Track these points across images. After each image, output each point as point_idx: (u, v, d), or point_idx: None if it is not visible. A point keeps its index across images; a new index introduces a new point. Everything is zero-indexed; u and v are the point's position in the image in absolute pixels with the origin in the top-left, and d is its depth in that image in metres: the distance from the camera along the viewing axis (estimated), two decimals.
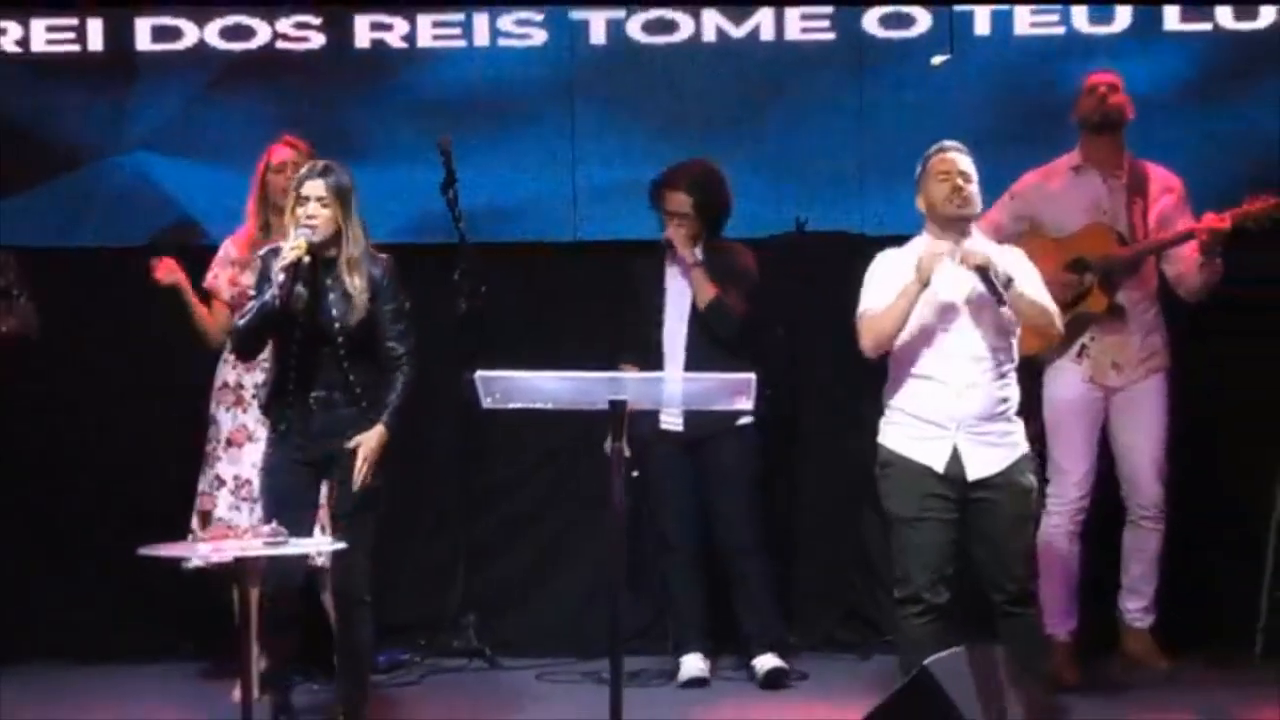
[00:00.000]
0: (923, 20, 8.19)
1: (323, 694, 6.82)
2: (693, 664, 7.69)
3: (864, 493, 8.07)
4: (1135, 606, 7.60)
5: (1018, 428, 6.36)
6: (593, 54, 8.28)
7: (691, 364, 7.48)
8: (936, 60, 8.16)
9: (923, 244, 6.33)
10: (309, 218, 6.41)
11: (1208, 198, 7.47)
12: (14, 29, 8.28)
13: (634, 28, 8.27)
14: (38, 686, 7.74)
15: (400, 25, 8.29)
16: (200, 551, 6.52)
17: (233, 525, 7.30)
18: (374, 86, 8.30)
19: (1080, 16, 8.14)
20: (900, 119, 8.12)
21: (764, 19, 8.23)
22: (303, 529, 6.30)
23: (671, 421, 7.63)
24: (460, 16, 8.28)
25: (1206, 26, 8.13)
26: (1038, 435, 7.04)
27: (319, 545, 6.42)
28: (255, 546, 5.99)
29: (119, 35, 8.28)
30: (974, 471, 6.25)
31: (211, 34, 8.29)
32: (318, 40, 8.31)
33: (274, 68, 8.29)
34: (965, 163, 6.34)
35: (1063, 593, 7.34)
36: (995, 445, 6.28)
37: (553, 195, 8.28)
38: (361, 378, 6.47)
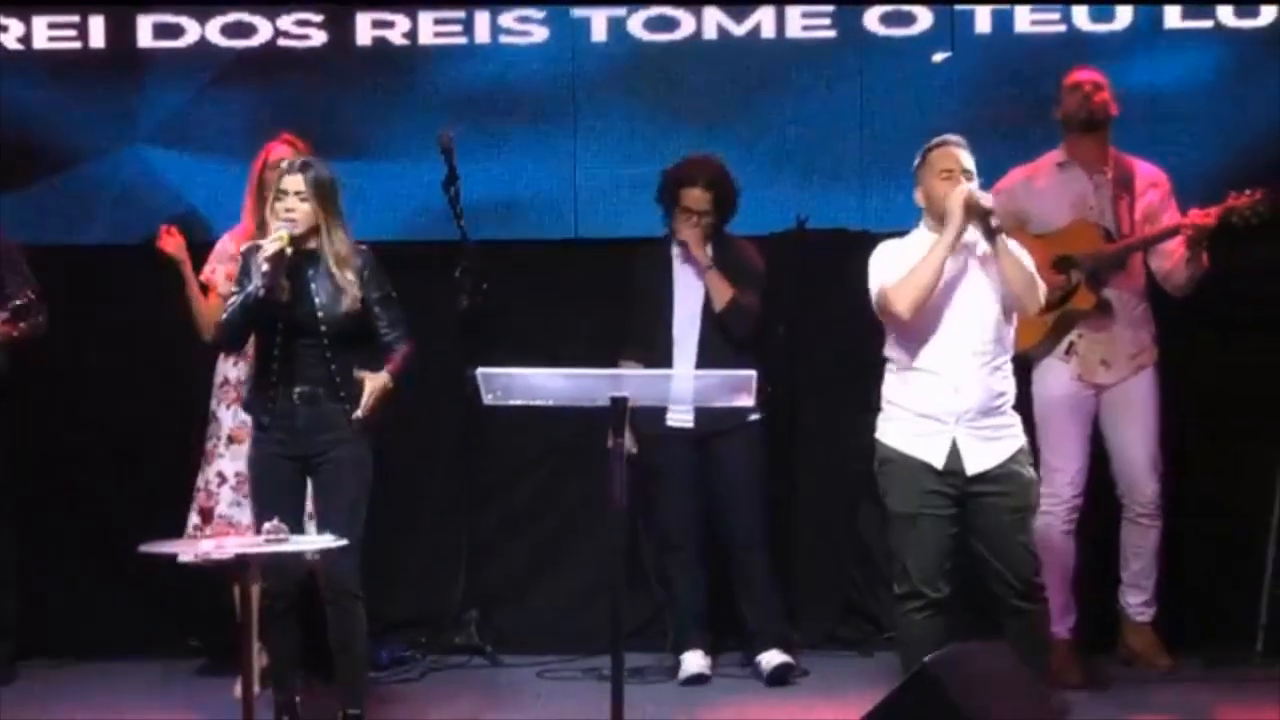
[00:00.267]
0: (924, 18, 8.19)
1: (324, 695, 6.82)
2: (694, 661, 7.70)
3: (864, 489, 8.08)
4: (1136, 601, 7.62)
5: (1015, 421, 6.36)
6: (594, 51, 8.28)
7: (703, 362, 7.46)
8: (937, 58, 8.17)
9: (922, 237, 6.33)
10: (288, 211, 6.47)
11: (1195, 193, 7.47)
12: (16, 26, 8.29)
13: (635, 25, 8.27)
14: (39, 683, 7.75)
15: (402, 22, 8.30)
16: (202, 549, 6.52)
17: (235, 522, 7.31)
18: (376, 84, 8.30)
19: (1081, 14, 8.15)
20: (901, 117, 8.13)
21: (765, 16, 8.23)
22: (292, 523, 6.31)
23: (681, 418, 7.62)
24: (462, 14, 8.29)
25: (1207, 24, 8.14)
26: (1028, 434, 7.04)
27: (320, 543, 6.42)
28: (256, 544, 5.99)
29: (120, 32, 8.28)
30: (973, 466, 6.25)
31: (213, 31, 8.30)
32: (319, 37, 8.31)
33: (275, 65, 8.29)
34: (967, 158, 6.32)
35: (1060, 590, 7.34)
36: (993, 439, 6.28)
37: (554, 193, 8.29)
38: (345, 372, 6.50)
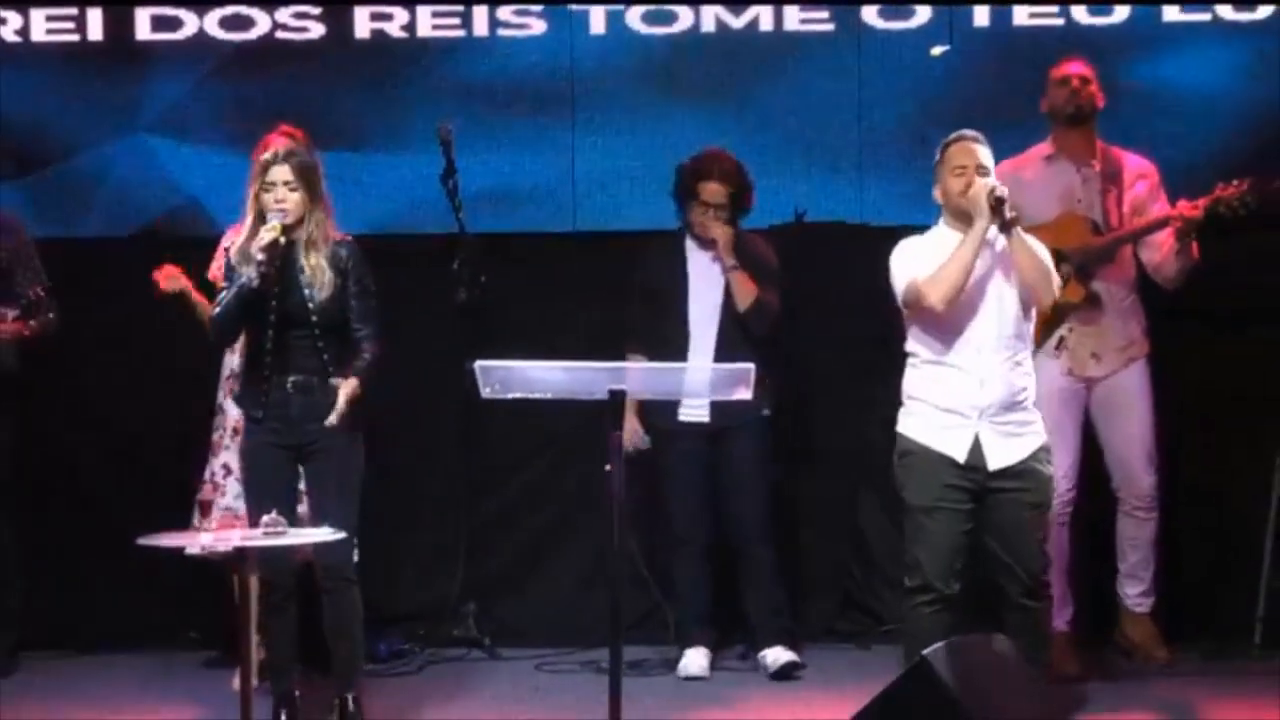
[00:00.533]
0: (922, 11, 8.20)
1: (322, 687, 6.82)
2: (695, 661, 7.67)
3: (863, 483, 8.10)
4: (1134, 592, 7.62)
5: (1036, 417, 6.36)
6: (592, 44, 8.28)
7: (721, 357, 7.42)
8: (936, 51, 8.17)
9: (943, 234, 6.32)
10: (278, 202, 6.49)
11: (1193, 185, 7.48)
12: (14, 19, 8.29)
13: (633, 18, 8.27)
14: (39, 674, 7.75)
15: (400, 15, 8.30)
16: (202, 541, 6.52)
17: (240, 514, 7.30)
18: (374, 77, 8.30)
19: (1079, 8, 8.15)
20: (899, 110, 8.14)
21: (763, 10, 8.23)
22: (288, 514, 6.32)
23: (697, 413, 7.59)
24: (460, 7, 8.29)
25: (1205, 18, 8.14)
26: None
27: (319, 536, 6.42)
28: (256, 536, 5.99)
29: (118, 25, 8.28)
30: (995, 461, 6.25)
31: (211, 24, 8.30)
32: (317, 30, 8.31)
33: (274, 58, 8.29)
34: (984, 154, 6.31)
35: (1057, 583, 7.31)
36: (1016, 435, 6.29)
37: (552, 185, 8.29)
38: (336, 360, 6.52)
